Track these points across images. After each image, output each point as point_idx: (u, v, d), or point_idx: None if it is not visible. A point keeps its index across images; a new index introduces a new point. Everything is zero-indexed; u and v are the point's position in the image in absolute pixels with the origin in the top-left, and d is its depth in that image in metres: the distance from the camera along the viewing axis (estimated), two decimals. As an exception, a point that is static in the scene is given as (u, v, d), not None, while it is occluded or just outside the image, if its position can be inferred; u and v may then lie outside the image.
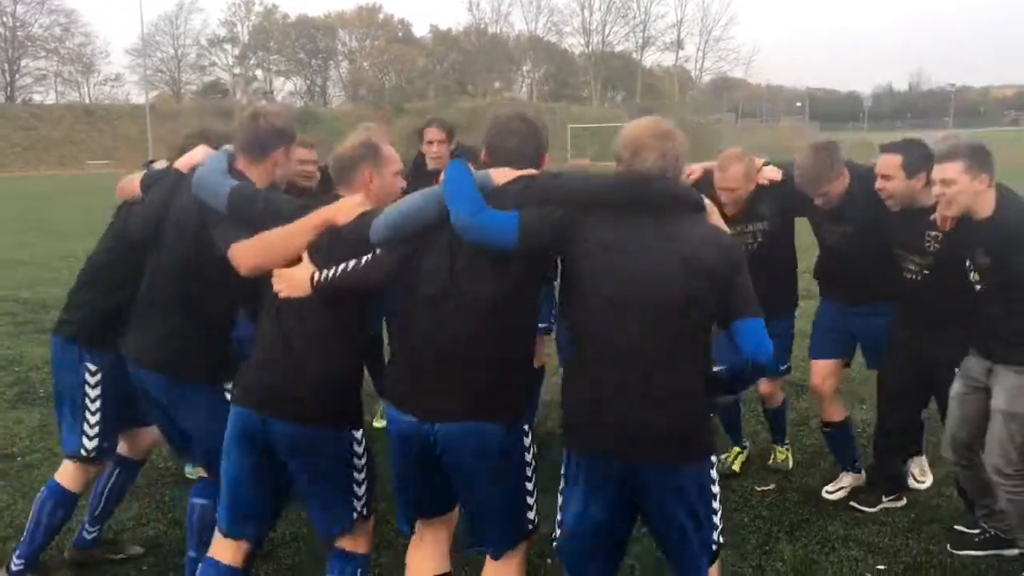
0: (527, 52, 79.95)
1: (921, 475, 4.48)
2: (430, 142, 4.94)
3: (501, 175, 2.63)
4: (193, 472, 4.31)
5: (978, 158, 3.32)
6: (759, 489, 4.45)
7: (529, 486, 2.69)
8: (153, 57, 74.45)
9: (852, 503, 4.22)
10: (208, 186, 2.95)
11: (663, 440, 2.43)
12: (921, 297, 3.80)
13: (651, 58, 78.93)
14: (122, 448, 3.62)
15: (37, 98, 71.79)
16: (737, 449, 4.75)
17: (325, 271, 2.68)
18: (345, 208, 2.77)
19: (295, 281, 2.72)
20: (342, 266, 2.67)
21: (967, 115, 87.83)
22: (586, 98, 76.98)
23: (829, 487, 4.39)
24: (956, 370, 3.62)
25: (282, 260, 2.77)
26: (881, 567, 3.64)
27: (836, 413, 4.40)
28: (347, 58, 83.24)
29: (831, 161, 3.84)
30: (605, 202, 2.50)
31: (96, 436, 3.38)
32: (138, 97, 70.95)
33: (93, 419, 3.37)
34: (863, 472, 4.41)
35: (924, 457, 4.52)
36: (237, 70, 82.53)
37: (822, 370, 4.33)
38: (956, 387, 3.61)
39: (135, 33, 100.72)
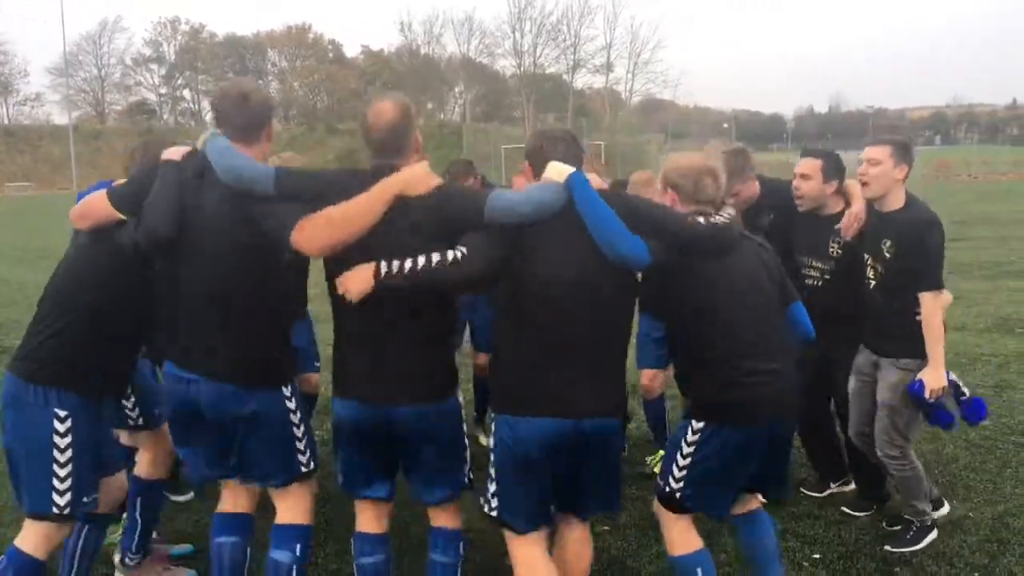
0: (459, 73, 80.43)
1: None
2: None
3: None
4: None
5: (903, 150, 3.72)
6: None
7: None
8: (76, 77, 72.70)
9: (844, 508, 4.37)
10: (243, 169, 2.70)
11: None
12: (821, 303, 4.03)
13: (582, 80, 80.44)
14: None
15: (-49, 118, 69.45)
16: (662, 452, 4.95)
17: (396, 262, 2.57)
18: (418, 178, 2.67)
19: (358, 280, 2.59)
20: (421, 260, 2.57)
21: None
22: (518, 119, 77.72)
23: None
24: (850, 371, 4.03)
25: (354, 236, 2.61)
26: (816, 556, 3.89)
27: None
28: (277, 78, 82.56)
29: (741, 163, 4.19)
30: (705, 249, 2.94)
31: (68, 490, 2.85)
32: (60, 117, 69.19)
33: (63, 471, 2.84)
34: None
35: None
36: (163, 90, 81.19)
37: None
38: (852, 384, 4.01)
39: (56, 52, 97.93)
